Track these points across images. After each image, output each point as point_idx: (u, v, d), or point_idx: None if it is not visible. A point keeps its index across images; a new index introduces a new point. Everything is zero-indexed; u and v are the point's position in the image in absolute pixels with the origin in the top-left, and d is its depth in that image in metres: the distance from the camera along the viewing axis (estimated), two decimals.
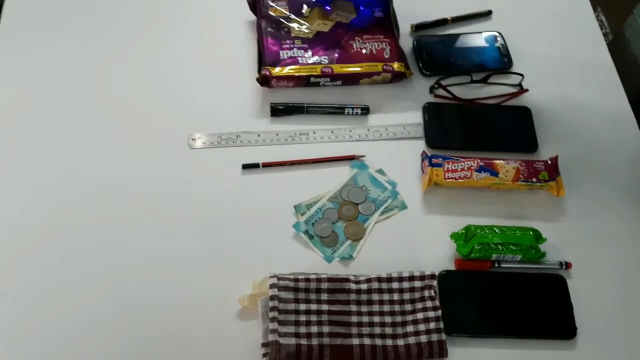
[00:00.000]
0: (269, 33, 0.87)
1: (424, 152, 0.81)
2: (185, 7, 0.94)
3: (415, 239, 0.76)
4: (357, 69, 0.84)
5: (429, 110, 0.85)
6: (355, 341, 0.67)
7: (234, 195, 0.77)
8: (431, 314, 0.69)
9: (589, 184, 0.82)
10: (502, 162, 0.78)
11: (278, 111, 0.83)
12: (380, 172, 0.80)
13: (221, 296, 0.70)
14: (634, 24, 1.91)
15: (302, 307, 0.68)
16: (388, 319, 0.69)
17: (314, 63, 0.84)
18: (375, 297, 0.70)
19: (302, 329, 0.67)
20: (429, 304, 0.69)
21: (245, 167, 0.79)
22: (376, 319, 0.69)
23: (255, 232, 0.75)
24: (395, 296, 0.70)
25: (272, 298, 0.68)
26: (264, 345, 0.67)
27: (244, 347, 0.67)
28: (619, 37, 1.95)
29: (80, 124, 0.81)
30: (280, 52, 0.85)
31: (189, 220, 0.75)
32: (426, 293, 0.70)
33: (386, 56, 0.86)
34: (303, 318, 0.68)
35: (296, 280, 0.69)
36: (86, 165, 0.78)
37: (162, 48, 0.90)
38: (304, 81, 0.84)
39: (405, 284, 0.70)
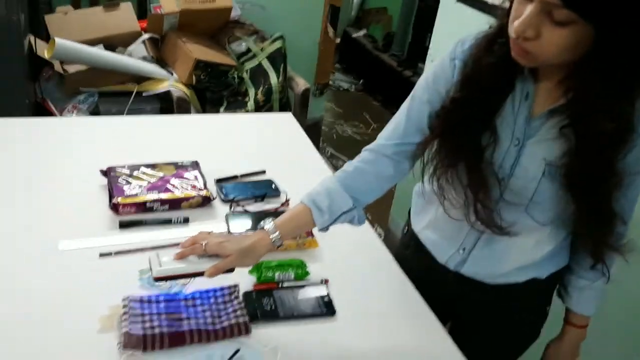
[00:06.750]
0: (117, 183, 1.30)
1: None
2: (61, 176, 1.36)
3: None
4: (180, 195, 1.29)
5: (229, 218, 1.30)
6: (186, 328, 0.97)
7: (94, 271, 1.10)
8: (237, 306, 1.03)
9: (335, 240, 1.27)
10: None
11: (124, 224, 1.22)
12: None
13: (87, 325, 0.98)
14: (392, 222, 2.68)
15: (146, 311, 0.98)
16: (208, 314, 1.01)
17: (149, 195, 1.28)
18: (198, 302, 1.03)
19: (147, 324, 0.97)
20: (235, 302, 1.04)
21: (102, 255, 1.14)
22: (200, 315, 1.01)
23: (113, 286, 1.06)
24: (212, 300, 1.04)
25: (124, 306, 0.98)
26: (119, 343, 0.94)
27: (107, 352, 0.94)
28: (389, 232, 2.68)
29: None
30: (126, 189, 1.28)
31: (63, 288, 1.05)
32: (233, 296, 1.05)
33: (199, 187, 1.33)
34: (147, 318, 0.97)
35: (142, 297, 1.01)
36: None
37: (44, 206, 1.28)
38: (142, 206, 1.26)
39: (219, 292, 1.05)
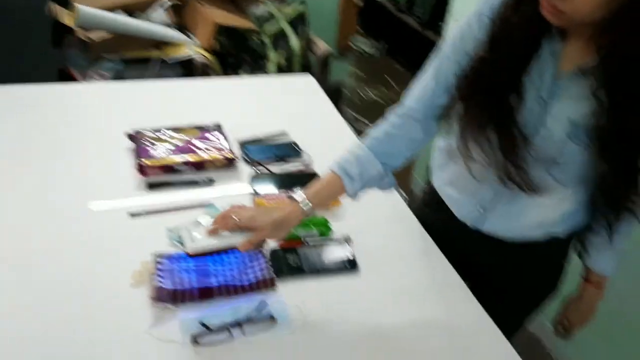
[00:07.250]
0: (143, 145, 1.33)
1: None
2: (89, 140, 1.40)
3: None
4: (205, 157, 1.32)
5: (254, 180, 1.32)
6: (214, 282, 1.01)
7: (125, 230, 1.14)
8: (263, 263, 1.06)
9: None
10: None
11: (152, 185, 1.26)
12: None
13: (120, 281, 1.02)
14: (414, 184, 2.67)
15: (176, 267, 1.02)
16: (235, 269, 1.05)
17: (175, 157, 1.31)
18: (225, 258, 1.06)
19: (177, 279, 1.00)
20: (261, 259, 1.07)
21: (132, 215, 1.17)
22: (227, 271, 1.04)
23: (144, 244, 1.10)
24: (239, 256, 1.07)
25: (157, 263, 1.02)
26: (151, 296, 0.98)
27: (139, 305, 0.98)
28: (412, 193, 2.67)
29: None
30: (152, 152, 1.31)
31: (96, 246, 1.10)
32: (259, 253, 1.08)
33: (223, 149, 1.36)
34: (177, 274, 1.01)
35: (171, 254, 1.05)
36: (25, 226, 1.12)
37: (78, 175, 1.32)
38: (169, 168, 1.29)
39: None
